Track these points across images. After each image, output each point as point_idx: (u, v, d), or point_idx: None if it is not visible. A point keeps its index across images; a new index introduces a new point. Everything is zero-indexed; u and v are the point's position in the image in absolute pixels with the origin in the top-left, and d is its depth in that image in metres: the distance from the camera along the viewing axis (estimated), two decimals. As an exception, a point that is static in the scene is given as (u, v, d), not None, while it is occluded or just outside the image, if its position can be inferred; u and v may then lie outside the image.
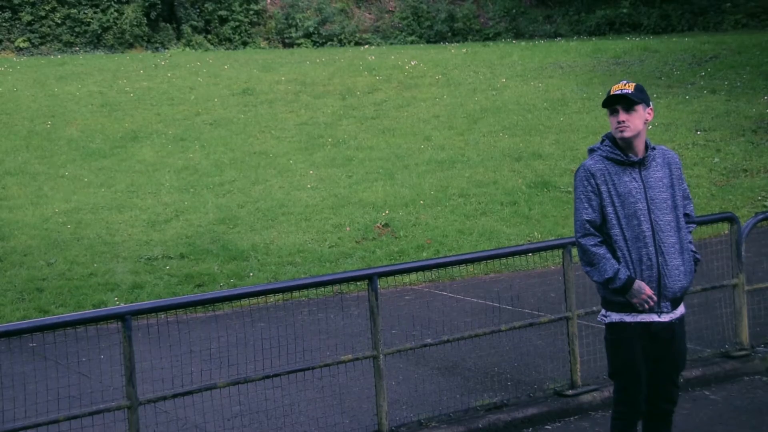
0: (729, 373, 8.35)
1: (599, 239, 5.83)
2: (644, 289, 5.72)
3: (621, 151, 5.81)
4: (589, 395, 7.76)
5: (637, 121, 5.77)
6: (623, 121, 5.75)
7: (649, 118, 5.87)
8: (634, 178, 5.80)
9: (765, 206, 13.27)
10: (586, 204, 5.86)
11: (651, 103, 5.92)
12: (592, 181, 5.83)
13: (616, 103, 5.77)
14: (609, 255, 5.80)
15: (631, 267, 5.76)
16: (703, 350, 8.60)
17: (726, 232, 8.82)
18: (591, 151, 6.03)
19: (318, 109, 20.01)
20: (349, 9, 31.14)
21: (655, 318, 5.79)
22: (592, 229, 5.84)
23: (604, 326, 5.92)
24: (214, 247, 12.27)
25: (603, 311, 5.98)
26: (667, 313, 5.82)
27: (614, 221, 5.79)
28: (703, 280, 9.03)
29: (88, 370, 8.49)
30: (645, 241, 5.75)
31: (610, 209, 5.79)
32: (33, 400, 7.01)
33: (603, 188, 5.80)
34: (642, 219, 5.76)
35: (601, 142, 5.96)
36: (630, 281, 5.72)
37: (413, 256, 11.79)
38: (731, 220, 8.63)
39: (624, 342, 5.91)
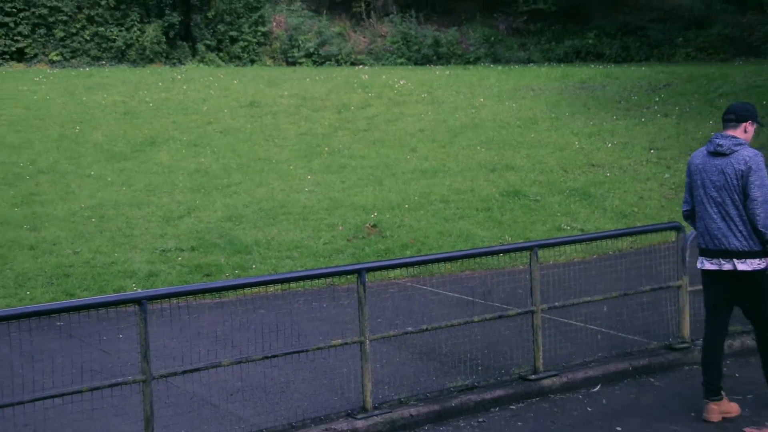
0: (672, 363, 8.43)
1: None
2: None
3: None
4: (549, 380, 7.82)
5: None
6: None
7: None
8: None
9: (708, 217, 13.34)
10: None
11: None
12: None
13: None
14: None
15: None
16: (650, 342, 8.68)
17: (673, 239, 8.90)
18: (747, 143, 6.95)
19: (316, 121, 20.05)
20: (346, 33, 31.16)
21: None
22: None
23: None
24: (221, 241, 12.31)
25: (765, 261, 6.84)
26: None
27: None
28: (652, 281, 9.12)
29: (108, 348, 8.53)
30: None
31: None
32: (60, 372, 7.06)
33: None
34: None
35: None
36: None
37: (398, 253, 11.84)
38: (677, 229, 8.72)
39: None
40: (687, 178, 7.23)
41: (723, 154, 6.85)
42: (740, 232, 6.81)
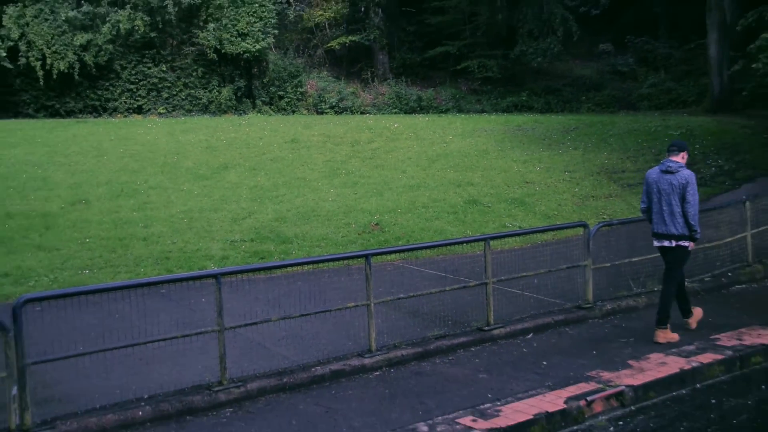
0: (580, 317, 8.42)
1: None
2: None
3: None
4: (497, 330, 7.79)
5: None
6: None
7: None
8: None
9: (604, 218, 13.34)
10: None
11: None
12: None
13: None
14: None
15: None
16: (566, 304, 8.66)
17: (581, 233, 8.87)
18: (684, 165, 7.51)
19: (337, 152, 20.02)
20: (358, 92, 31.04)
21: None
22: None
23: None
24: (272, 235, 12.27)
25: (689, 244, 7.52)
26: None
27: None
28: (567, 261, 9.09)
29: (194, 308, 8.49)
30: None
31: None
32: (163, 324, 7.02)
33: None
34: None
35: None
36: None
37: (393, 243, 11.82)
38: (584, 226, 8.70)
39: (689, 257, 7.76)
40: (645, 186, 7.78)
41: (671, 172, 7.49)
42: (678, 223, 7.44)
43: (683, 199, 7.39)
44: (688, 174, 7.45)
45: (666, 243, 7.57)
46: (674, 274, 7.68)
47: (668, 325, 7.62)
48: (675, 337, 7.65)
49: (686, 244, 7.51)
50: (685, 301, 7.98)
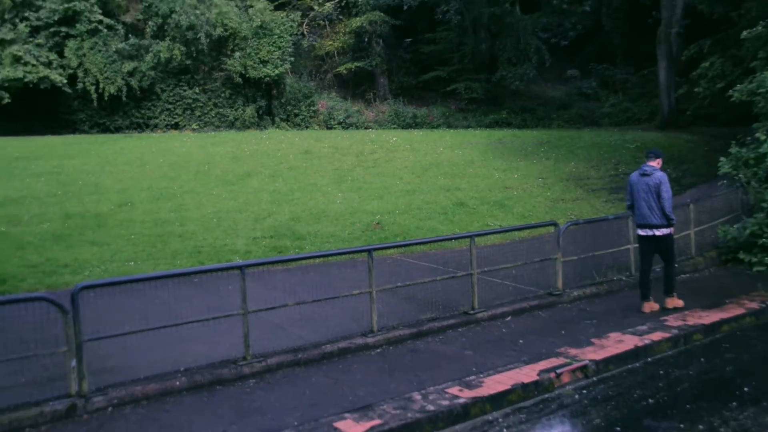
0: (551, 303, 8.43)
1: None
2: None
3: None
4: (481, 314, 7.80)
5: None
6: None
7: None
8: None
9: (572, 218, 13.33)
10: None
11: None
12: None
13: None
14: None
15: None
16: (539, 291, 8.66)
17: (552, 231, 8.87)
18: (659, 169, 7.73)
19: (344, 162, 20.00)
20: (362, 110, 31.01)
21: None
22: None
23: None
24: (288, 232, 12.27)
25: (670, 230, 7.77)
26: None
27: None
28: (540, 255, 9.09)
29: (223, 294, 8.49)
30: None
31: None
32: (196, 308, 7.01)
33: None
34: None
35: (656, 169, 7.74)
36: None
37: (392, 239, 11.80)
38: (555, 225, 8.71)
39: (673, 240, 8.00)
40: (628, 187, 8.03)
41: (648, 175, 7.77)
42: (657, 215, 7.72)
43: (659, 196, 7.68)
44: (660, 175, 7.75)
45: (649, 232, 7.85)
46: (671, 256, 8.03)
47: (674, 294, 8.11)
48: (680, 302, 8.10)
49: (668, 230, 7.80)
50: (646, 288, 8.08)
